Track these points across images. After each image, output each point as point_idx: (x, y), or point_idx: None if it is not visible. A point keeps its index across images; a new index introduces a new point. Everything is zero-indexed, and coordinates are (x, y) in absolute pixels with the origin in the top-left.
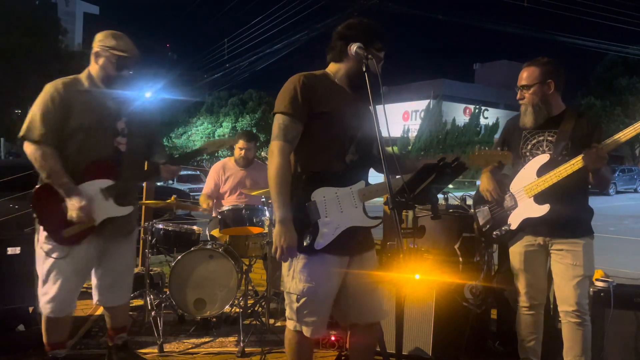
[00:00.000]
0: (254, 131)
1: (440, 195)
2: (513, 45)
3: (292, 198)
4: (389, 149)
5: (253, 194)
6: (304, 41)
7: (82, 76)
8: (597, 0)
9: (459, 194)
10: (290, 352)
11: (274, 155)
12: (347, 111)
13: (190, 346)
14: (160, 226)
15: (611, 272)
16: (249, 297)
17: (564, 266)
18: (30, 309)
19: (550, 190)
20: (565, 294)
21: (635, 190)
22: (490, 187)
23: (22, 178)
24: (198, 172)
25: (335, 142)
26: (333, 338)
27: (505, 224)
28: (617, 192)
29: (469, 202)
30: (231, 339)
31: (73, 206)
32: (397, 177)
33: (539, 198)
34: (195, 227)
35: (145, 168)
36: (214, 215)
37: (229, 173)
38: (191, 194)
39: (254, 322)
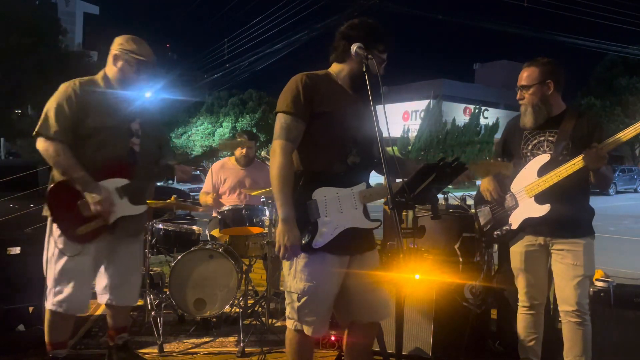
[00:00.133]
0: (254, 131)
1: (440, 195)
2: (513, 45)
3: (294, 196)
4: (390, 150)
5: (253, 194)
6: (304, 41)
7: (98, 77)
8: (597, 0)
9: (459, 194)
10: (291, 352)
11: (276, 154)
12: (348, 111)
13: (190, 346)
14: (160, 226)
15: (611, 272)
16: (249, 297)
17: (565, 266)
18: (31, 309)
19: (551, 190)
20: (566, 294)
21: (635, 190)
22: (491, 187)
23: (22, 178)
24: (198, 172)
25: (337, 143)
26: (333, 338)
27: (506, 224)
28: (617, 192)
29: (469, 202)
30: (231, 339)
31: (92, 199)
32: (398, 180)
33: (540, 198)
34: (195, 227)
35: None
36: (213, 215)
37: (228, 173)
38: (191, 194)
39: (254, 322)
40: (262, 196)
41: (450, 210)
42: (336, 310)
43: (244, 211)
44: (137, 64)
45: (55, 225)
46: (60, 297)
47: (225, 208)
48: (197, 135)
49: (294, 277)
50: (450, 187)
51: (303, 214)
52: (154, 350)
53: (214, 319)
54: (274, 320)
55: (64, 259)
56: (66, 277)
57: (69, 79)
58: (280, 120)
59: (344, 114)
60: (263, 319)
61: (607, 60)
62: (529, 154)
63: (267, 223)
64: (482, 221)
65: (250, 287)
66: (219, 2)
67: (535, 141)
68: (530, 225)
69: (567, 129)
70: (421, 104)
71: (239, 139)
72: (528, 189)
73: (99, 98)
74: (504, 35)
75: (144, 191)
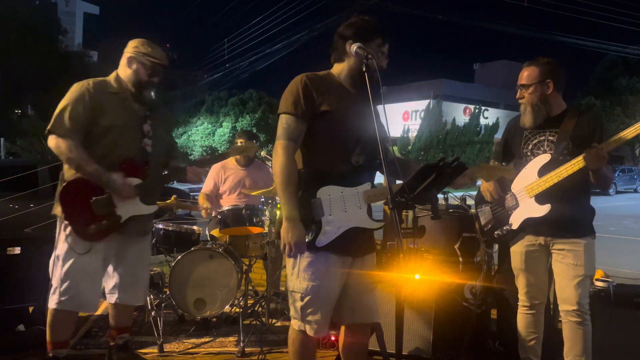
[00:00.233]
0: (254, 131)
1: (440, 195)
2: (513, 45)
3: (298, 195)
4: (392, 150)
5: (253, 194)
6: (304, 41)
7: (110, 78)
8: (597, 0)
9: (459, 194)
10: (294, 352)
11: (277, 153)
12: (350, 111)
13: (190, 346)
14: (160, 226)
15: (611, 272)
16: (249, 297)
17: (565, 266)
18: (30, 309)
19: (552, 190)
20: (566, 294)
21: (635, 190)
22: (491, 187)
23: (22, 178)
24: None
25: (340, 142)
26: (333, 338)
27: (506, 224)
28: (617, 192)
29: (469, 202)
30: (231, 339)
31: (111, 189)
32: (398, 181)
33: (540, 198)
34: (195, 227)
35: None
36: (213, 214)
37: (228, 173)
38: (191, 194)
39: (254, 322)
40: (262, 196)
41: (450, 210)
42: (334, 311)
43: (243, 211)
44: (151, 67)
45: (66, 224)
46: (67, 295)
47: (225, 208)
48: (197, 135)
49: (297, 276)
50: (450, 188)
51: (307, 213)
52: (154, 350)
53: (214, 319)
54: (274, 320)
55: (74, 257)
56: (75, 275)
57: (69, 79)
58: (282, 121)
59: (345, 113)
60: (263, 319)
61: (607, 60)
62: (529, 153)
63: (267, 223)
64: (482, 221)
65: (250, 287)
66: (219, 2)
67: (536, 141)
68: (530, 225)
69: (568, 129)
70: (421, 104)
71: (248, 144)
72: (528, 189)
73: (112, 99)
74: (504, 35)
75: (154, 191)
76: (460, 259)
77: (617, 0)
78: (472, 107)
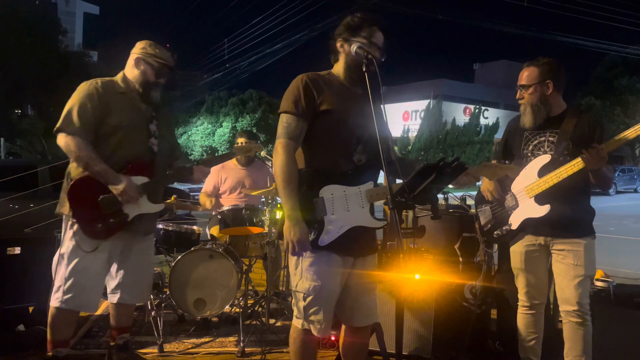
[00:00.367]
0: (254, 131)
1: (440, 195)
2: (513, 45)
3: (300, 193)
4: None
5: (253, 194)
6: (304, 41)
7: (117, 79)
8: (597, 0)
9: (459, 194)
10: (295, 352)
11: (278, 152)
12: (351, 110)
13: (190, 346)
14: (161, 226)
15: (611, 272)
16: (249, 297)
17: (566, 266)
18: (30, 309)
19: (552, 190)
20: (567, 294)
21: (635, 190)
22: (492, 187)
23: (22, 178)
24: None
25: (341, 140)
26: (333, 338)
27: (506, 224)
28: (617, 192)
29: (469, 202)
30: (231, 339)
31: (117, 189)
32: (399, 181)
33: (540, 198)
34: (195, 227)
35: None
36: (213, 213)
37: (228, 172)
38: (191, 194)
39: (254, 322)
40: (262, 196)
41: (450, 210)
42: (335, 310)
43: (243, 211)
44: (159, 68)
45: (73, 222)
46: (71, 293)
47: (225, 208)
48: (197, 135)
49: (300, 276)
50: (452, 187)
51: (309, 212)
52: (154, 350)
53: (214, 319)
54: (274, 321)
55: (80, 255)
56: (80, 274)
57: (69, 79)
58: (282, 120)
59: (347, 112)
60: (263, 319)
61: (607, 60)
62: (529, 154)
63: (267, 223)
64: (482, 221)
65: (250, 287)
66: (219, 2)
67: (536, 141)
68: (530, 225)
69: (568, 129)
70: (421, 104)
71: (251, 143)
72: (528, 189)
73: (120, 98)
74: (504, 35)
75: (160, 191)
76: (460, 259)
77: (617, 0)
78: (472, 107)
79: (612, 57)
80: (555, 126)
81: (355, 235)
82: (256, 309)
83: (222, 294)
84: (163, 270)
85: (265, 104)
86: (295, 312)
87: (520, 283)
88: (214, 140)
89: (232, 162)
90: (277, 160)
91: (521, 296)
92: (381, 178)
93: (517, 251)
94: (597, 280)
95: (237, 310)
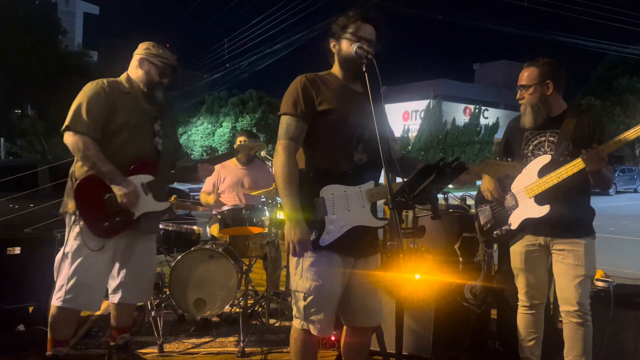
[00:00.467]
0: (254, 131)
1: (440, 195)
2: (513, 45)
3: (301, 193)
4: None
5: (253, 193)
6: (304, 41)
7: (122, 79)
8: (597, 0)
9: (459, 194)
10: (295, 352)
11: (278, 153)
12: (351, 109)
13: (190, 346)
14: (160, 226)
15: (611, 272)
16: (249, 297)
17: (566, 266)
18: (30, 308)
19: (551, 190)
20: (567, 294)
21: (635, 190)
22: (492, 186)
23: (22, 178)
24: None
25: (342, 140)
26: (333, 338)
27: (505, 224)
28: (617, 192)
29: (469, 202)
30: (231, 339)
31: (120, 191)
32: (399, 180)
33: (540, 199)
34: (195, 227)
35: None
36: (214, 213)
37: (227, 172)
38: (191, 194)
39: (254, 322)
40: (262, 196)
41: (450, 210)
42: (338, 310)
43: (243, 211)
44: (163, 67)
45: (79, 220)
46: (73, 292)
47: (225, 208)
48: (197, 135)
49: (300, 276)
50: (453, 186)
51: (310, 212)
52: (154, 350)
53: (214, 319)
54: (274, 321)
55: (85, 254)
56: (84, 273)
57: (69, 79)
58: (282, 122)
59: (346, 111)
60: (263, 319)
61: (607, 60)
62: (530, 154)
63: (267, 223)
64: (482, 220)
65: (250, 287)
66: (219, 2)
67: (536, 141)
68: (530, 225)
69: (568, 129)
70: (421, 104)
71: (253, 141)
72: (528, 190)
73: (125, 98)
74: (504, 35)
75: (166, 189)
76: (460, 259)
77: (617, 0)
78: (472, 107)
79: (612, 57)
80: (556, 126)
81: (356, 235)
82: (256, 309)
83: (222, 294)
84: (163, 270)
85: (265, 104)
86: (294, 312)
87: (520, 283)
88: (214, 140)
89: (232, 162)
90: (278, 161)
91: (521, 296)
92: (382, 177)
93: (517, 251)
94: (597, 280)
95: (237, 310)
